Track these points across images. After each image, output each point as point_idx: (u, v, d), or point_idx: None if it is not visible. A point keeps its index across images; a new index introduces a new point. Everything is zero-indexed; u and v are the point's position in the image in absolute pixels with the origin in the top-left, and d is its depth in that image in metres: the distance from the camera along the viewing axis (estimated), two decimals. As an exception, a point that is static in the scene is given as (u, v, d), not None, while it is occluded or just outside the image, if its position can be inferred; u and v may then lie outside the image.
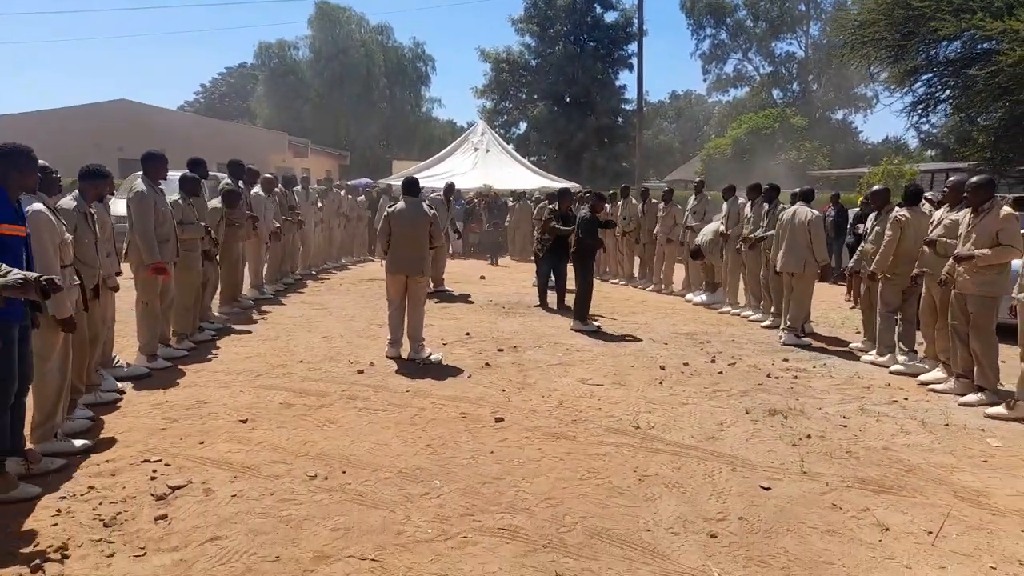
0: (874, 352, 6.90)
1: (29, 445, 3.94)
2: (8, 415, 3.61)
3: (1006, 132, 11.53)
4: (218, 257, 7.70)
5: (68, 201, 4.68)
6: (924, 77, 12.66)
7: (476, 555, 3.16)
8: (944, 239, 5.93)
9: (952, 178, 6.47)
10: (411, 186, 6.89)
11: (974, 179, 5.66)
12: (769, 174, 26.68)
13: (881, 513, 3.63)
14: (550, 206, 10.11)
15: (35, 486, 3.62)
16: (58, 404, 4.18)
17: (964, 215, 5.76)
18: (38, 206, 3.91)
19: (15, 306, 3.48)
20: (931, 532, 3.43)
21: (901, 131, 60.79)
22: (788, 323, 7.80)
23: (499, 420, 4.92)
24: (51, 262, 3.87)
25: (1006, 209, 5.41)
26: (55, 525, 3.29)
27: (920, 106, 12.88)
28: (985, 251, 5.37)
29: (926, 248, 6.18)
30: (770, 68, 45.01)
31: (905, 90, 13.11)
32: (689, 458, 4.33)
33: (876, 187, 7.42)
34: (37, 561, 2.96)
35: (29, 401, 3.89)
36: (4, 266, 3.26)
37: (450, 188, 11.90)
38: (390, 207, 6.89)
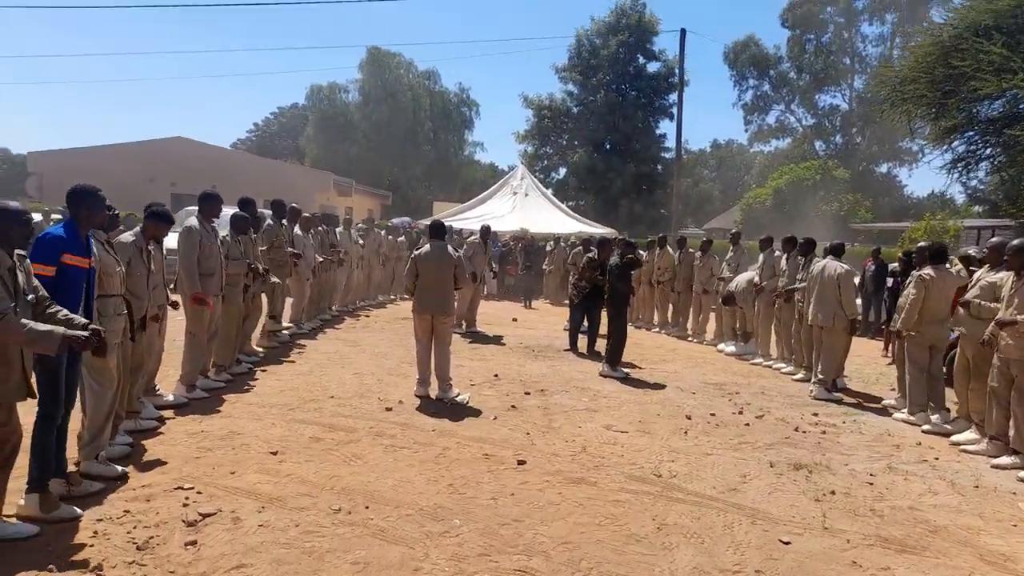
0: (906, 410, 6.80)
1: (72, 468, 4.13)
2: (54, 437, 3.83)
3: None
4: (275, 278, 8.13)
5: (127, 236, 5.01)
6: (965, 135, 12.59)
7: (490, 595, 3.22)
8: (979, 301, 5.88)
9: (993, 239, 6.42)
10: (437, 229, 7.13)
11: (1015, 242, 5.56)
12: (810, 226, 26.54)
13: (901, 573, 3.59)
14: (588, 255, 10.23)
15: (75, 507, 3.80)
16: (107, 425, 4.39)
17: (1007, 278, 5.69)
18: None
19: None
20: (952, 596, 3.38)
21: (954, 188, 59.83)
22: (819, 376, 7.73)
23: (521, 463, 4.99)
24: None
25: None
26: (92, 546, 3.45)
27: (960, 164, 12.79)
28: (1026, 317, 5.30)
29: (961, 309, 6.13)
30: (813, 120, 44.95)
31: (944, 148, 13.05)
32: (709, 509, 4.33)
33: (921, 244, 7.39)
34: (73, 578, 3.11)
35: (72, 426, 4.09)
36: (60, 308, 3.49)
37: (486, 230, 12.14)
38: (416, 250, 7.12)
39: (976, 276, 6.22)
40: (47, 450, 3.77)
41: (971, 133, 12.60)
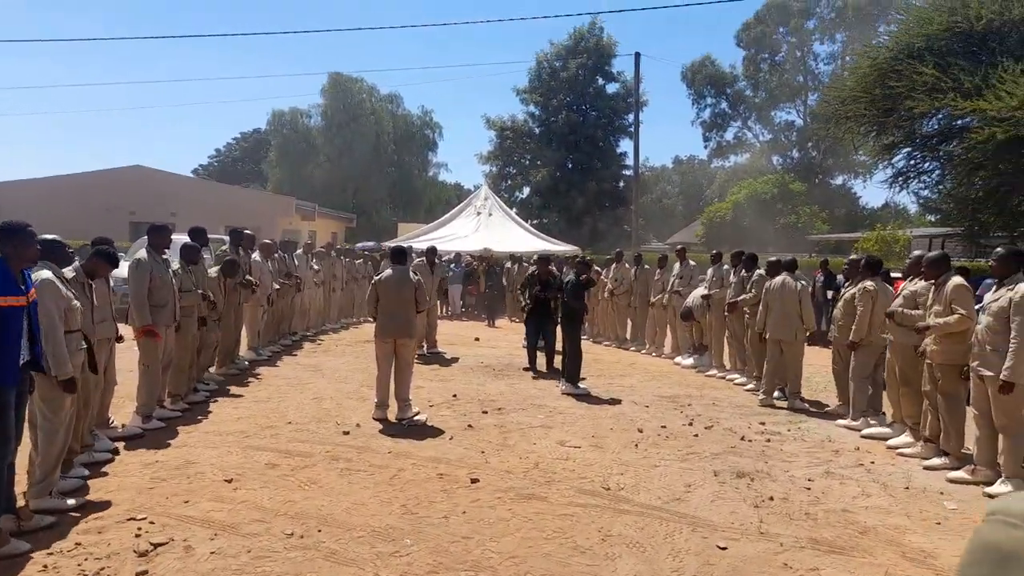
0: (849, 417, 7.07)
1: (21, 503, 4.15)
2: (3, 474, 3.86)
3: (983, 203, 11.95)
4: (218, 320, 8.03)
5: (68, 271, 4.97)
6: (904, 151, 13.18)
7: (436, 610, 3.34)
8: (902, 310, 6.21)
9: (915, 252, 6.79)
10: (398, 254, 7.27)
11: (930, 255, 6.04)
12: (768, 238, 27.15)
13: (828, 572, 3.78)
14: (530, 270, 10.46)
15: (25, 542, 3.82)
16: (58, 463, 4.42)
17: (929, 287, 6.02)
18: (47, 274, 4.25)
19: (11, 371, 3.76)
20: (873, 591, 3.58)
21: (901, 197, 61.49)
22: (790, 390, 8.01)
23: (475, 481, 5.10)
24: (55, 327, 4.17)
25: (955, 279, 5.70)
26: (41, 579, 3.49)
27: (900, 178, 13.37)
28: (938, 321, 5.63)
29: (888, 319, 6.45)
30: (770, 135, 46.18)
31: (886, 163, 13.64)
32: (653, 519, 4.50)
33: (853, 256, 7.74)
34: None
35: (20, 461, 4.12)
36: None
37: (432, 251, 12.20)
38: (377, 275, 7.23)
39: (901, 287, 6.57)
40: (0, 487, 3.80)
41: (910, 149, 13.17)
